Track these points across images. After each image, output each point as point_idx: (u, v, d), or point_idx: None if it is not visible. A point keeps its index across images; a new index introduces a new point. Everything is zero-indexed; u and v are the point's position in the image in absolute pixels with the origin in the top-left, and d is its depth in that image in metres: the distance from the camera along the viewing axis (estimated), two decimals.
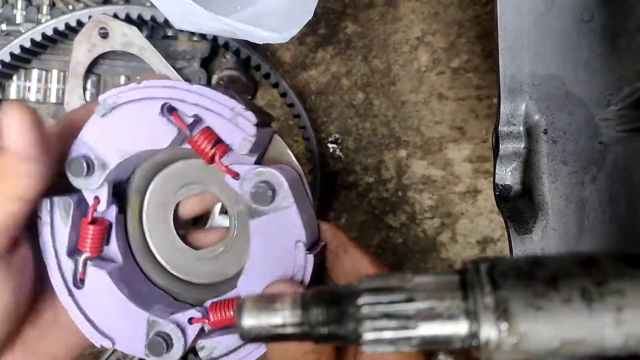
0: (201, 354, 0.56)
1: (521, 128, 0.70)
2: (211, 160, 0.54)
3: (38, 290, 0.59)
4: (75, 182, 0.56)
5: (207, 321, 0.57)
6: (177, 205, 0.65)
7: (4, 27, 0.98)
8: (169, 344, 0.56)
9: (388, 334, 0.32)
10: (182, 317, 0.57)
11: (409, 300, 0.32)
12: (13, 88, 0.98)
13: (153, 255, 0.65)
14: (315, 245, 0.58)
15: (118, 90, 0.56)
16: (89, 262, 0.58)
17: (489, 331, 0.31)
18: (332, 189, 1.08)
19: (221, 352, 0.56)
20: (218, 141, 0.54)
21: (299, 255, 0.54)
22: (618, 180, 0.64)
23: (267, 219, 0.54)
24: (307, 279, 0.54)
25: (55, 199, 0.57)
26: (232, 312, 0.56)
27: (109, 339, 0.58)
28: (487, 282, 0.32)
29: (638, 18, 0.60)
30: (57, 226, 0.57)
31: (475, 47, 1.06)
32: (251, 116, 0.53)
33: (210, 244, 0.65)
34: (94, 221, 0.58)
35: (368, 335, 0.32)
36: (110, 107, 0.56)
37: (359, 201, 1.08)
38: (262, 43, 0.82)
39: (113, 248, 0.60)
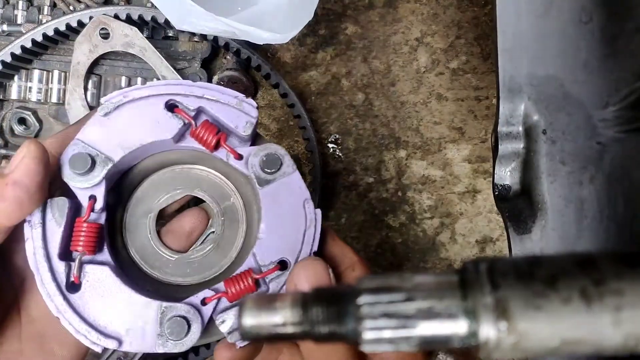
0: (222, 327, 0.57)
1: (520, 128, 0.71)
2: (215, 145, 0.59)
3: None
4: (74, 180, 0.56)
5: (224, 295, 0.58)
6: (160, 212, 0.66)
7: (5, 27, 0.98)
8: (189, 325, 0.56)
9: (388, 333, 0.32)
10: (196, 299, 0.58)
11: (409, 299, 0.32)
12: (14, 88, 0.99)
13: (137, 264, 0.66)
14: None
15: (122, 92, 0.58)
16: (85, 264, 0.57)
17: (488, 330, 0.31)
18: (332, 189, 1.08)
19: None
20: (218, 131, 0.60)
21: (309, 211, 0.59)
22: (616, 180, 0.64)
23: (275, 185, 0.59)
24: (319, 230, 0.59)
25: (49, 200, 0.56)
26: (248, 281, 0.58)
27: (115, 339, 0.56)
28: (487, 281, 0.32)
29: (636, 20, 0.60)
30: (49, 229, 0.56)
31: (474, 48, 1.06)
32: (253, 102, 0.60)
33: (190, 227, 0.68)
34: (88, 221, 0.58)
35: (368, 335, 0.33)
36: (114, 106, 0.58)
37: (358, 201, 1.08)
38: (262, 44, 0.83)
39: (106, 255, 0.60)
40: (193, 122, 0.59)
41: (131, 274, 0.64)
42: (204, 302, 0.58)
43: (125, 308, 0.57)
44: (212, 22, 0.78)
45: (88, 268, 0.57)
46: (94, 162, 0.57)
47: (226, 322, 0.57)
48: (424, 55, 1.07)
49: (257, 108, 0.60)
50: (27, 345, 0.59)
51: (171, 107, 0.59)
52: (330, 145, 1.08)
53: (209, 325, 0.58)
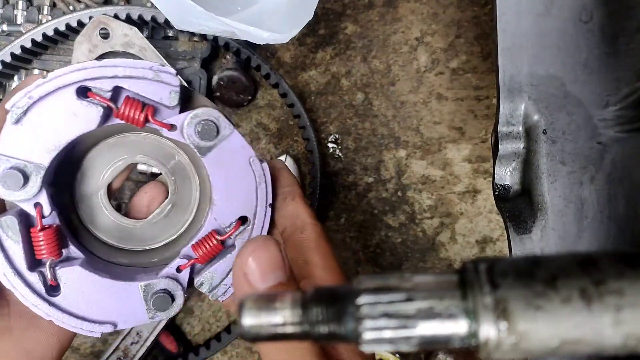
0: (203, 288, 0.60)
1: (520, 128, 0.71)
2: (144, 122, 0.56)
3: None
4: (12, 195, 0.55)
5: (196, 261, 0.60)
6: (108, 186, 0.66)
7: (4, 27, 0.98)
8: (172, 296, 0.59)
9: (388, 334, 0.32)
10: (170, 269, 0.60)
11: (409, 299, 0.32)
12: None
13: (106, 242, 0.66)
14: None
15: (25, 92, 0.54)
16: (56, 267, 0.57)
17: (488, 330, 0.31)
18: (332, 189, 1.08)
19: (221, 277, 0.60)
20: (143, 105, 0.57)
21: (256, 168, 0.59)
22: (616, 180, 0.64)
23: (217, 151, 0.58)
24: (269, 185, 0.59)
25: None
26: (214, 242, 0.60)
27: (109, 323, 0.59)
28: (486, 281, 0.32)
29: (637, 19, 0.60)
30: (9, 248, 0.56)
31: (474, 47, 1.06)
32: (171, 69, 0.57)
33: (147, 199, 0.69)
34: (43, 228, 0.57)
35: (368, 335, 0.32)
36: (23, 111, 0.54)
37: (358, 201, 1.08)
38: (262, 43, 0.82)
39: (73, 249, 0.60)
40: (112, 105, 0.55)
41: (102, 254, 0.65)
42: (179, 269, 0.60)
43: (108, 297, 0.59)
44: (212, 22, 0.78)
45: (60, 271, 0.57)
46: (25, 175, 0.55)
47: (204, 284, 0.60)
48: (423, 55, 1.07)
49: (177, 75, 0.58)
50: (15, 322, 0.59)
51: (84, 93, 0.55)
52: (330, 145, 1.08)
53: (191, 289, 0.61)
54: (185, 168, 0.66)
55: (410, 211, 1.08)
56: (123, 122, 0.57)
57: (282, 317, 0.35)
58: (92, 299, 0.58)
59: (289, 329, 0.35)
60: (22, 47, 0.93)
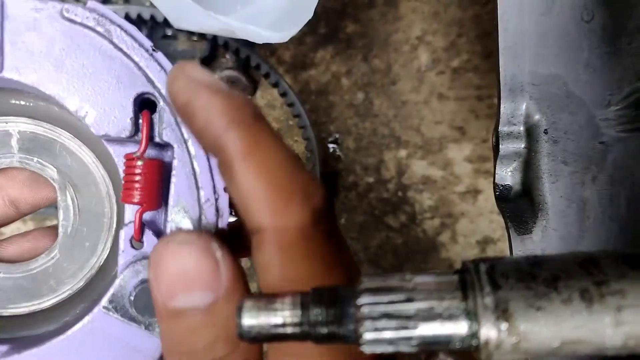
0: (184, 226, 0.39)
1: (521, 128, 0.70)
2: None
3: None
4: None
5: (143, 209, 0.40)
6: None
7: None
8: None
9: (388, 334, 0.32)
10: (126, 256, 0.40)
11: (409, 300, 0.32)
12: None
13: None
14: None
15: None
16: None
17: (489, 331, 0.31)
18: (332, 189, 1.08)
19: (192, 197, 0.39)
20: None
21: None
22: (619, 180, 0.64)
23: None
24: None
25: None
26: (135, 164, 0.39)
27: None
28: (487, 282, 0.32)
29: (638, 18, 0.60)
30: None
31: (476, 46, 1.06)
32: None
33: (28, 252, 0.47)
34: None
35: (368, 335, 0.32)
36: None
37: (359, 201, 1.08)
38: (261, 42, 0.82)
39: None
40: None
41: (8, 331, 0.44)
42: (133, 244, 0.41)
43: None
44: (211, 20, 0.78)
45: None
46: None
47: (176, 227, 0.39)
48: (424, 54, 1.07)
49: None
50: None
51: None
52: (330, 145, 1.07)
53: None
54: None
55: (411, 211, 1.08)
56: None
57: (282, 318, 0.35)
58: None
59: (289, 330, 0.35)
60: None
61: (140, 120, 0.39)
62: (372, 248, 1.08)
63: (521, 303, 0.31)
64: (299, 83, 1.07)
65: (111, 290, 0.39)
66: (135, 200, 0.39)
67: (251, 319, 0.35)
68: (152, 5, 0.91)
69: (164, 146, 0.40)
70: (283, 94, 1.02)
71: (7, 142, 0.44)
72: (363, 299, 0.33)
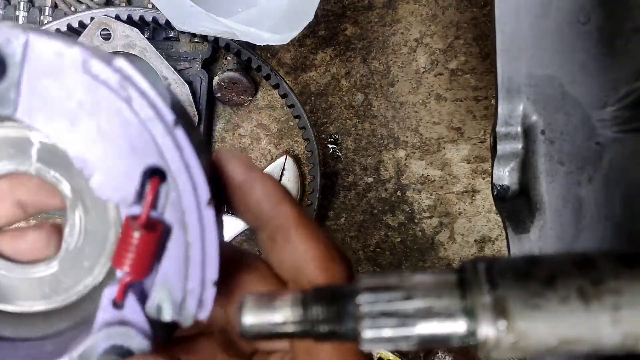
0: (165, 315, 0.39)
1: (519, 129, 0.71)
2: None
3: None
4: None
5: (132, 279, 0.38)
6: None
7: None
8: (129, 350, 0.39)
9: (387, 332, 0.32)
10: (105, 314, 0.39)
11: (408, 298, 0.33)
12: None
13: None
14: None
15: None
16: None
17: (487, 329, 0.31)
18: (332, 189, 1.08)
19: (180, 281, 0.39)
20: None
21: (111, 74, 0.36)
22: (614, 180, 0.64)
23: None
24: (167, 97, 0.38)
25: None
26: (134, 235, 0.37)
27: None
28: (485, 281, 0.32)
29: (634, 20, 0.60)
30: None
31: (473, 48, 1.07)
32: None
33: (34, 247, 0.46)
34: None
35: (367, 334, 0.33)
36: None
37: (358, 201, 1.08)
38: (262, 44, 0.83)
39: None
40: None
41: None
42: (116, 304, 0.39)
43: None
44: (213, 23, 0.78)
45: None
46: None
47: (164, 307, 0.39)
48: (423, 56, 1.07)
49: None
50: None
51: None
52: (330, 146, 1.08)
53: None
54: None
55: (410, 211, 1.08)
56: None
57: (283, 316, 0.35)
58: None
59: (289, 328, 0.35)
60: None
61: (147, 189, 0.38)
62: (371, 246, 1.09)
63: (519, 302, 0.31)
64: (299, 84, 1.08)
65: (81, 348, 0.39)
66: (125, 269, 0.38)
67: (252, 317, 0.35)
68: (154, 7, 0.92)
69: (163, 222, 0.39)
70: (284, 95, 1.03)
71: (26, 150, 0.43)
72: (362, 298, 0.33)
